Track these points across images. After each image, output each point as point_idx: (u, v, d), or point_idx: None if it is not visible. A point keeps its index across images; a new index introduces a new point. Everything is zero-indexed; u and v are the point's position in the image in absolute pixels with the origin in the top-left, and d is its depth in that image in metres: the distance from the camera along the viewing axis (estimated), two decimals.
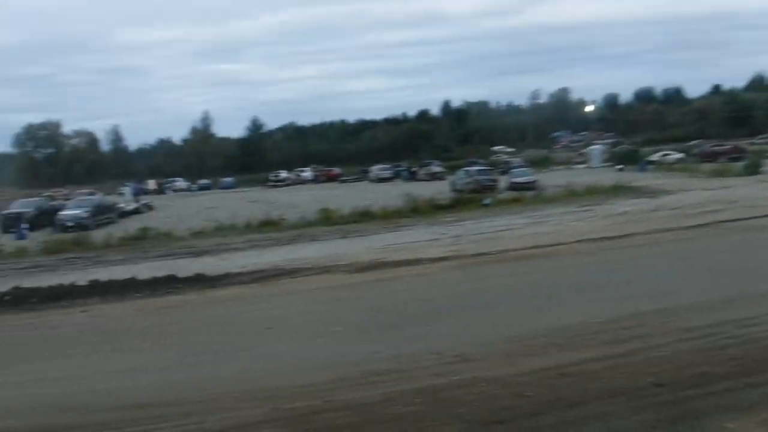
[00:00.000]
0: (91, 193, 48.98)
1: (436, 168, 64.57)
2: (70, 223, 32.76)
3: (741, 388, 8.04)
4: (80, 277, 18.75)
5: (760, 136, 76.78)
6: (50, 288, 17.25)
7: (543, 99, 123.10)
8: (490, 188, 39.66)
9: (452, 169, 57.75)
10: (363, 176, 72.79)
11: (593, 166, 61.75)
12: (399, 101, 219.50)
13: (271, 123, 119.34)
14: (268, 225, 29.01)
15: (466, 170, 45.69)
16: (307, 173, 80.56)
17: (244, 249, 23.51)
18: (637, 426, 7.66)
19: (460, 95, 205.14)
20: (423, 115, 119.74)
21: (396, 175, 66.61)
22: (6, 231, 33.14)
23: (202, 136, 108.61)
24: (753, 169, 42.73)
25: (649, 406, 8.07)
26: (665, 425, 7.56)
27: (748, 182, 37.07)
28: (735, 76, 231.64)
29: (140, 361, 11.43)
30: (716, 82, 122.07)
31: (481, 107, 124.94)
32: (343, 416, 8.51)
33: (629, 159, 59.13)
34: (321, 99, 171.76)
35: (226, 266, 19.62)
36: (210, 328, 13.30)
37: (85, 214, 33.93)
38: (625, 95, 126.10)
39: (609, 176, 40.71)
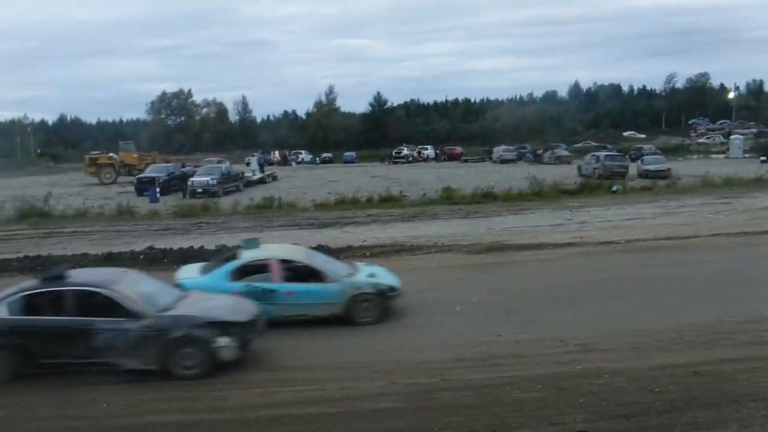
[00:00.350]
0: (220, 162, 50.77)
1: (562, 151, 62.55)
2: (199, 190, 34.27)
3: None
4: (208, 241, 19.50)
5: None
6: (181, 250, 18.00)
7: (679, 84, 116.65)
8: (619, 175, 38.17)
9: (579, 153, 55.90)
10: (485, 157, 71.81)
11: (733, 156, 58.02)
12: (525, 81, 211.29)
13: (394, 99, 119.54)
14: (389, 201, 29.17)
15: (595, 155, 44.04)
16: (429, 151, 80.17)
17: (366, 223, 23.75)
18: None
19: (589, 77, 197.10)
20: (550, 97, 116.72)
21: (519, 157, 65.05)
22: (140, 194, 35.15)
23: (326, 109, 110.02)
24: None
25: None
26: None
27: None
28: None
29: None
30: None
31: (612, 90, 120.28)
32: (461, 396, 8.44)
33: None
34: (445, 77, 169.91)
35: (348, 239, 19.89)
36: None
37: (213, 182, 35.25)
38: None
39: (751, 168, 38.04)
